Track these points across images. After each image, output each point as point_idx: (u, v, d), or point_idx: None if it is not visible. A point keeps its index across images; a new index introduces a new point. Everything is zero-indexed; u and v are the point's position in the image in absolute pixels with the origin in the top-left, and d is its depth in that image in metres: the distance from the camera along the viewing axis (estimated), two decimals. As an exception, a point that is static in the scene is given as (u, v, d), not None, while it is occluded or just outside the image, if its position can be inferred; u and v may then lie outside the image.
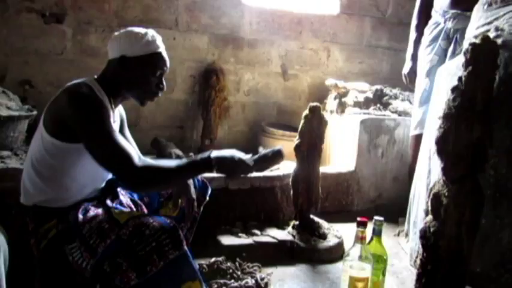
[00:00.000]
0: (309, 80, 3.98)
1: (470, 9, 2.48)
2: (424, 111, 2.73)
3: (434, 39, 2.76)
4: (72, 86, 1.52)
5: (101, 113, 1.46)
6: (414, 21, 3.02)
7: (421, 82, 2.82)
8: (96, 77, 1.62)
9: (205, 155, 1.53)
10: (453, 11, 2.65)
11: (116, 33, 1.64)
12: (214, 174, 2.51)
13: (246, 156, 1.60)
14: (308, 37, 3.91)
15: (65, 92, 1.50)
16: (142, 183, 1.45)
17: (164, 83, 1.68)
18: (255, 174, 2.89)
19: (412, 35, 3.02)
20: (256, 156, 1.66)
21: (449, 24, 2.68)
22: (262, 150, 1.76)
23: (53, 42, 3.20)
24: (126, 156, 1.41)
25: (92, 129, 1.44)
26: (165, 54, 1.65)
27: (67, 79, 1.63)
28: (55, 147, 1.50)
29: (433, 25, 2.80)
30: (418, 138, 2.78)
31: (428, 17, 2.88)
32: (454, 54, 2.64)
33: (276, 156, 1.71)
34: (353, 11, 4.01)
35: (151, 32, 1.63)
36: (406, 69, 3.04)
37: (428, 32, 2.82)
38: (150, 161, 1.55)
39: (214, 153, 1.52)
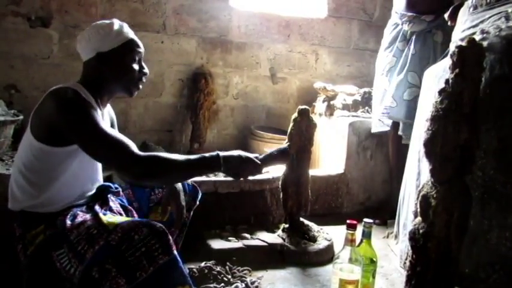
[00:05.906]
0: (297, 83, 3.99)
1: (426, 13, 2.59)
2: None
3: (393, 41, 2.87)
4: (58, 91, 1.50)
5: (89, 112, 1.45)
6: None
7: (380, 82, 2.94)
8: (78, 81, 1.61)
9: (213, 154, 1.50)
10: (409, 14, 2.75)
11: (82, 33, 1.63)
12: (203, 178, 2.52)
13: (252, 156, 1.58)
14: (296, 40, 3.93)
15: (51, 97, 1.48)
16: (145, 172, 1.41)
17: (145, 66, 1.68)
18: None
19: None
20: (262, 156, 1.65)
21: (406, 27, 2.78)
22: (268, 150, 1.78)
23: (39, 46, 3.17)
24: (123, 146, 1.40)
25: (84, 129, 1.43)
26: (136, 37, 1.65)
27: (53, 83, 1.61)
28: (44, 153, 1.48)
29: (392, 26, 2.91)
30: (394, 137, 2.95)
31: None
32: (410, 56, 2.75)
33: (282, 155, 1.73)
34: (340, 14, 4.04)
35: (116, 21, 1.62)
36: None
37: (388, 33, 2.92)
38: (156, 152, 1.49)
39: (222, 153, 1.51)
